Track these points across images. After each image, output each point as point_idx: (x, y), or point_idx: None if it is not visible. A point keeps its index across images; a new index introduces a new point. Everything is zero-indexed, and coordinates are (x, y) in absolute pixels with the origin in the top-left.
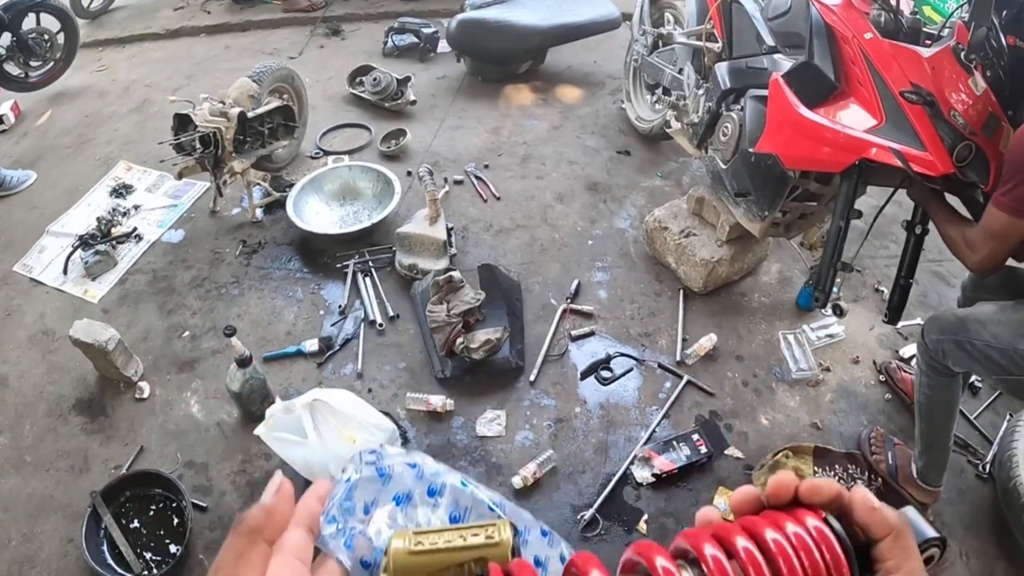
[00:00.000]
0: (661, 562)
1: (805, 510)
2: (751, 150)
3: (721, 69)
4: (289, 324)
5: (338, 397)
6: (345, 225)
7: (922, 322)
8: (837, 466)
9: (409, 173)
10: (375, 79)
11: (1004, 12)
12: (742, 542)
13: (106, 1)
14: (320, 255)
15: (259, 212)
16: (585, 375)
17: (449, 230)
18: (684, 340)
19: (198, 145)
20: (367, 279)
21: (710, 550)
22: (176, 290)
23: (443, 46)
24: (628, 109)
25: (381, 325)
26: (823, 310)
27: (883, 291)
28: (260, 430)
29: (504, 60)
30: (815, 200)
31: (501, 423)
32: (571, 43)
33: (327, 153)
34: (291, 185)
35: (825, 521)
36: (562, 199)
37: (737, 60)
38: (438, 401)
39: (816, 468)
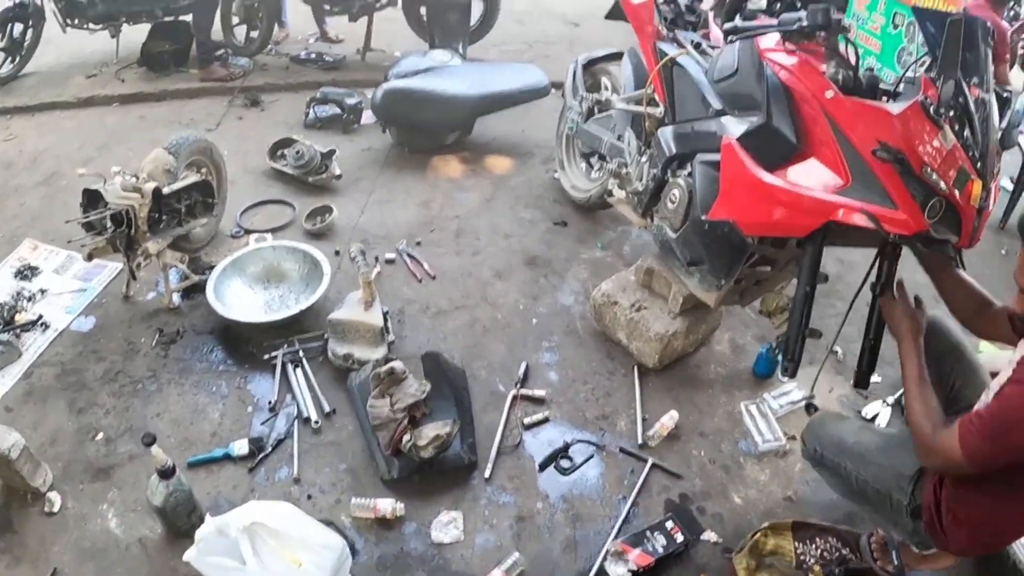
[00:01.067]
0: None
1: None
2: (704, 217)
3: (665, 134)
4: (214, 423)
5: (278, 513)
6: (271, 311)
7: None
8: (819, 539)
9: (337, 252)
10: (297, 152)
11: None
12: None
13: (16, 67)
14: (245, 344)
15: (176, 297)
16: (544, 466)
17: (385, 315)
18: (644, 420)
19: (109, 224)
20: (298, 370)
21: None
22: (87, 386)
23: (367, 117)
24: (562, 178)
25: (317, 422)
26: (788, 379)
27: (837, 351)
28: (190, 555)
29: (432, 130)
30: (771, 265)
31: (458, 526)
32: (499, 112)
33: (248, 232)
34: (211, 267)
35: None
36: (501, 275)
37: (682, 124)
38: (386, 506)
39: (797, 543)
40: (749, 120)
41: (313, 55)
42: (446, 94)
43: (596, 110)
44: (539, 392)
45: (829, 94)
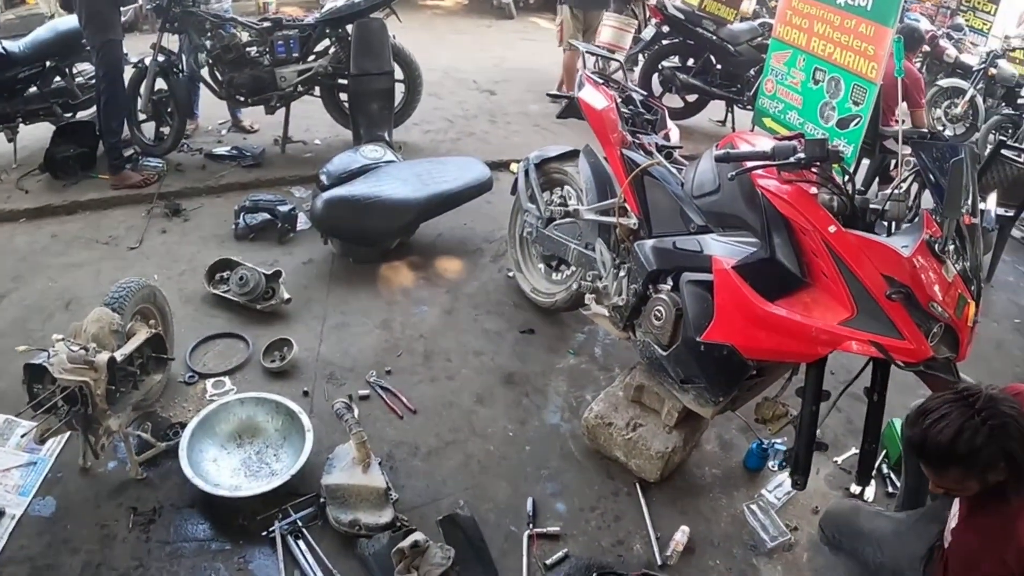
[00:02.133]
0: None
1: None
2: (699, 339)
3: (644, 249)
4: None
5: None
6: (250, 471)
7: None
8: None
9: (305, 393)
10: (241, 279)
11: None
12: None
13: None
14: (234, 517)
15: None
16: None
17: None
18: (658, 538)
19: (62, 403)
20: (300, 543)
21: None
22: None
23: (303, 222)
24: (520, 280)
25: None
26: (799, 490)
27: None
28: None
29: (378, 238)
30: (762, 374)
31: None
32: None
33: (203, 376)
34: (172, 427)
35: None
36: (482, 401)
37: (661, 239)
38: None
39: None
40: (736, 240)
41: (231, 151)
42: (392, 199)
43: (556, 215)
44: (552, 528)
45: (832, 229)
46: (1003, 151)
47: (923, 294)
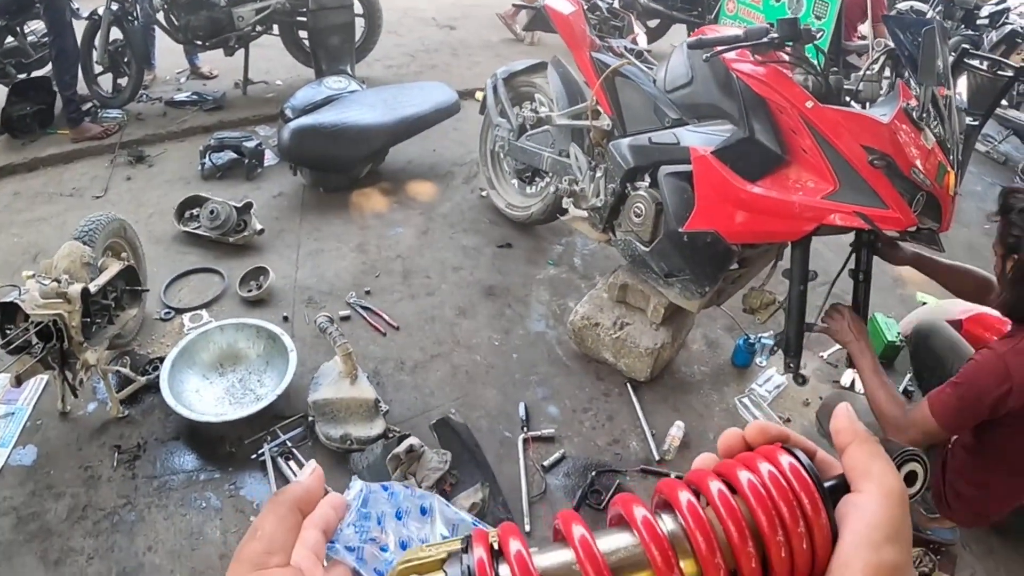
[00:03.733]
0: (640, 512)
1: (771, 447)
2: (681, 230)
3: (620, 148)
4: (219, 544)
5: None
6: (235, 398)
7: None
8: None
9: (285, 318)
10: (211, 212)
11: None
12: (715, 486)
13: None
14: (220, 444)
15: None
16: (578, 507)
17: None
18: (653, 435)
19: (36, 340)
20: (291, 463)
21: (683, 497)
22: (54, 530)
23: (270, 158)
24: (494, 197)
25: None
26: (793, 377)
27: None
28: None
29: (347, 166)
30: (745, 264)
31: None
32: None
33: (179, 311)
34: (152, 362)
35: (791, 454)
36: (464, 313)
37: (636, 136)
38: None
39: None
40: (713, 129)
41: (191, 96)
42: (359, 125)
43: (529, 126)
44: (547, 431)
45: (809, 104)
46: (966, 59)
47: (904, 160)
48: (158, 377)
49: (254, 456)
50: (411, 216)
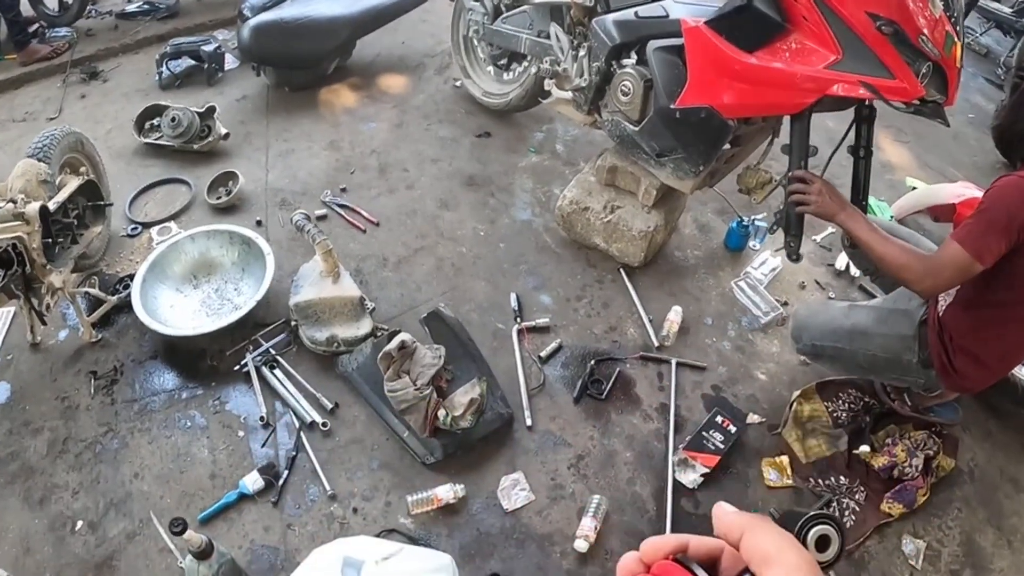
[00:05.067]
0: None
1: (668, 567)
2: (673, 106)
3: (604, 24)
4: (208, 464)
5: (367, 551)
6: (212, 309)
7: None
8: (842, 394)
9: (259, 222)
10: (173, 119)
11: None
12: None
13: None
14: (201, 359)
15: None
16: (578, 398)
17: None
18: (651, 321)
19: None
20: (276, 372)
21: None
22: (35, 468)
23: (231, 62)
24: (470, 86)
25: (325, 424)
26: (794, 260)
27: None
28: None
29: (313, 62)
30: (739, 142)
31: (524, 487)
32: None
33: (147, 225)
34: (121, 281)
35: (679, 563)
36: (447, 205)
37: (622, 12)
38: (446, 492)
39: (826, 403)
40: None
41: (142, 6)
42: (323, 18)
43: (504, 7)
44: (542, 321)
45: None
46: None
47: (912, 28)
48: (129, 295)
49: (237, 368)
50: (383, 110)
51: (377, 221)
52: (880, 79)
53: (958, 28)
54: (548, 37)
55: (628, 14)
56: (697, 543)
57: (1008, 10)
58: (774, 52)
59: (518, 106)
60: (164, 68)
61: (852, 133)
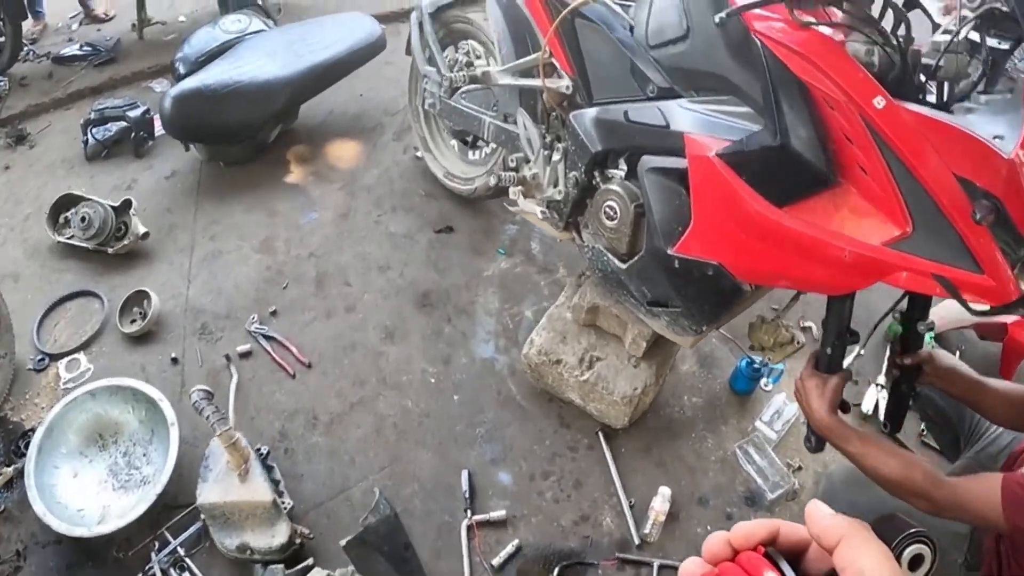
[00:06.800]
0: None
1: (755, 559)
2: (671, 252)
3: (584, 122)
4: None
5: None
6: (119, 480)
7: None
8: None
9: (175, 360)
10: (83, 220)
11: None
12: None
13: None
14: (107, 548)
15: None
16: None
17: (266, 461)
18: (632, 506)
19: None
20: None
21: None
22: None
23: (162, 126)
24: (430, 162)
25: None
26: (815, 451)
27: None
28: None
29: (247, 134)
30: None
31: None
32: None
33: (54, 358)
34: (25, 436)
35: (775, 567)
36: (392, 336)
37: (606, 107)
38: None
39: None
40: (718, 108)
41: (82, 49)
42: (256, 82)
43: (463, 83)
44: (497, 514)
45: (879, 102)
46: None
47: (1021, 209)
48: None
49: (144, 571)
50: (329, 193)
51: (309, 362)
52: (962, 272)
53: None
54: (516, 123)
55: (615, 112)
56: (788, 531)
57: None
58: (814, 210)
59: (485, 196)
60: (89, 136)
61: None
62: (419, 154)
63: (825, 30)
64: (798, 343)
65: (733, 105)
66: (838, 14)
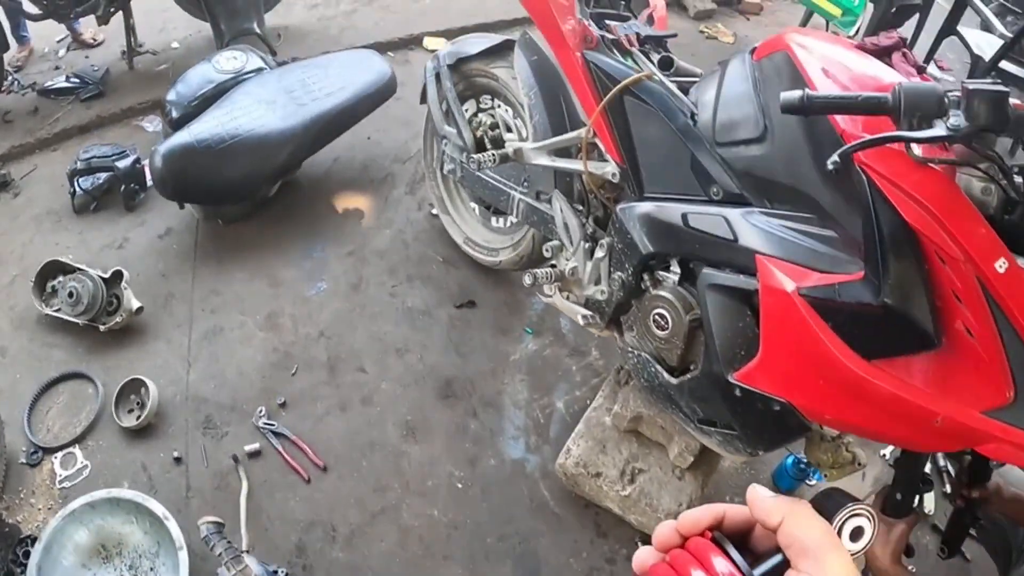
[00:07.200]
0: None
1: (702, 543)
2: (732, 379)
3: (633, 218)
4: None
5: None
6: None
7: None
8: None
9: (178, 460)
10: (71, 294)
11: None
12: None
13: None
14: None
15: None
16: None
17: None
18: None
19: None
20: None
21: None
22: None
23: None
24: (448, 225)
25: None
26: None
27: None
28: None
29: (246, 191)
30: None
31: None
32: None
33: (47, 451)
34: (22, 543)
35: (722, 551)
36: (414, 432)
37: (662, 205)
38: None
39: None
40: (798, 227)
41: (70, 80)
42: (255, 135)
43: (488, 143)
44: None
45: (1002, 266)
46: None
47: None
48: None
49: None
50: (337, 259)
51: (324, 464)
52: None
53: None
54: (549, 203)
55: (672, 214)
56: (733, 515)
57: None
58: (908, 369)
59: (511, 268)
60: (76, 186)
61: None
62: (435, 211)
63: (944, 169)
64: (859, 464)
65: (817, 227)
66: (958, 148)
